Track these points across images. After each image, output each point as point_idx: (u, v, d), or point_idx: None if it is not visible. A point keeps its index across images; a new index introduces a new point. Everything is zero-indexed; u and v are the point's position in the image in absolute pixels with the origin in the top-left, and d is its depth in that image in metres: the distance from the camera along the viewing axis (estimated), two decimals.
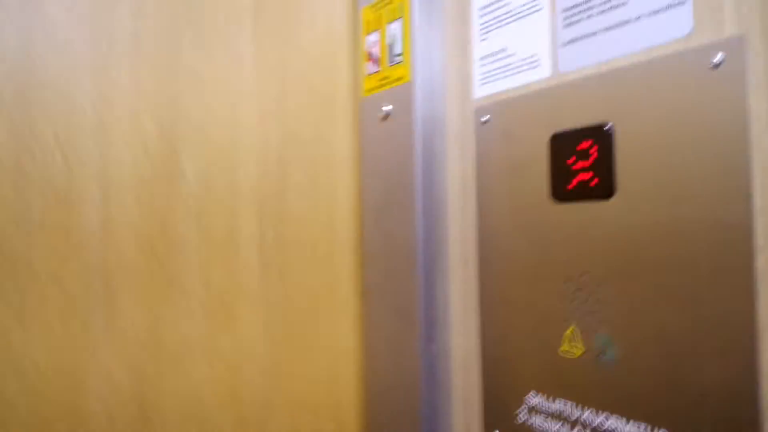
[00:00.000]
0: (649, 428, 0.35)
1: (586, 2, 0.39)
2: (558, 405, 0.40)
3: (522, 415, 0.43)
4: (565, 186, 0.40)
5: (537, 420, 0.41)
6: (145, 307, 0.45)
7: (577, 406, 0.39)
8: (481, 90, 0.47)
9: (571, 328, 0.39)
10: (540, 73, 0.42)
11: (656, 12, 0.35)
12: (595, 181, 0.38)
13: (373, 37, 0.55)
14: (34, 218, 0.41)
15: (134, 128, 0.46)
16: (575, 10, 0.39)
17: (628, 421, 0.36)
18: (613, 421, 0.37)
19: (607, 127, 0.37)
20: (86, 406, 0.43)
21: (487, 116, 0.46)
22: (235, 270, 0.51)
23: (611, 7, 0.37)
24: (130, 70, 0.46)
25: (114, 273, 0.44)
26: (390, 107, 0.53)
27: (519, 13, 0.43)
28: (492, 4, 0.46)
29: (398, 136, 0.53)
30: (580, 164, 0.39)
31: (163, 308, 0.46)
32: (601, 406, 0.37)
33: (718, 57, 0.32)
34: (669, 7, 0.34)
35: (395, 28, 0.53)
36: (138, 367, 0.45)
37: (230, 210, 0.50)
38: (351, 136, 0.58)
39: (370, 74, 0.56)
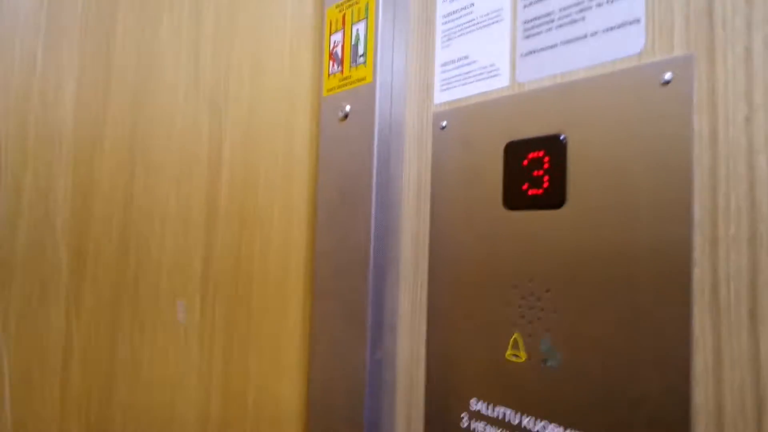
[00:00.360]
0: None
1: (546, 16, 0.40)
2: (499, 411, 0.40)
3: (464, 422, 0.42)
4: (517, 194, 0.40)
5: (478, 426, 0.41)
6: None
7: (517, 413, 0.39)
8: (441, 96, 0.47)
9: (515, 335, 0.39)
10: (498, 82, 0.43)
11: (611, 29, 0.36)
12: (547, 190, 0.38)
13: (337, 37, 0.55)
14: None
15: None
16: (535, 23, 0.40)
17: (565, 429, 0.36)
18: (551, 429, 0.37)
19: (560, 138, 0.38)
20: None
21: (445, 122, 0.46)
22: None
23: (570, 22, 0.38)
24: None
25: None
26: (349, 107, 0.53)
27: (481, 22, 0.44)
28: (456, 11, 0.46)
29: (356, 136, 0.52)
30: (533, 173, 0.39)
31: None
32: (540, 414, 0.37)
33: (668, 75, 0.33)
34: (623, 24, 0.35)
35: (359, 29, 0.52)
36: None
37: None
38: (310, 134, 0.57)
39: (332, 74, 0.56)
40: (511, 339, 0.39)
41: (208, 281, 0.50)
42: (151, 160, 0.47)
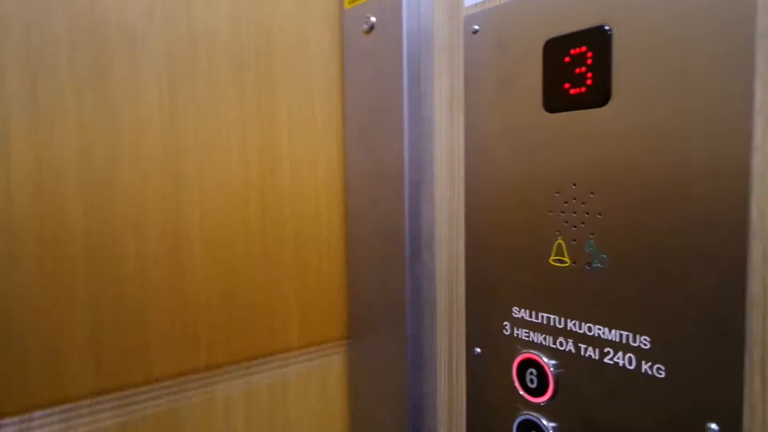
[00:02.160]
0: (631, 336, 0.35)
1: None
2: (543, 317, 0.40)
3: (506, 330, 0.43)
4: (558, 95, 0.38)
5: (521, 333, 0.42)
6: None
7: (561, 318, 0.39)
8: None
9: (559, 240, 0.38)
10: None
11: None
12: (591, 87, 0.36)
13: None
14: None
15: None
16: None
17: (611, 330, 0.36)
18: (596, 331, 0.37)
19: (605, 29, 0.35)
20: None
21: (477, 26, 0.44)
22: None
23: None
24: None
25: None
26: (375, 19, 0.51)
27: None
28: None
29: (383, 50, 0.50)
30: (575, 71, 0.37)
31: None
32: (585, 317, 0.37)
33: None
34: None
35: None
36: None
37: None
38: (334, 51, 0.55)
39: None
40: (555, 245, 0.39)
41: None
42: None
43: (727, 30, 0.30)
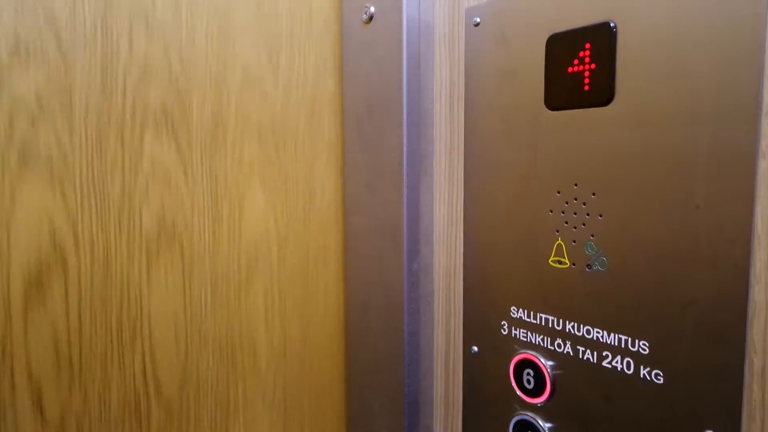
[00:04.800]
0: (630, 340, 0.34)
1: None
2: (541, 318, 0.39)
3: (504, 329, 0.42)
4: (560, 92, 0.37)
5: (519, 333, 0.41)
6: None
7: (560, 319, 0.38)
8: None
9: (558, 241, 0.38)
10: None
11: None
12: (594, 86, 0.35)
13: None
14: None
15: None
16: None
17: (609, 333, 0.35)
18: (594, 334, 0.36)
19: (610, 26, 0.34)
20: None
21: (479, 18, 0.43)
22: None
23: None
24: None
25: None
26: (374, 9, 0.49)
27: None
28: None
29: (382, 40, 0.49)
30: (578, 68, 0.36)
31: None
32: (584, 319, 0.37)
33: None
34: None
35: None
36: None
37: None
38: (332, 41, 0.54)
39: None
40: (554, 245, 0.38)
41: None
42: None
43: (734, 29, 0.29)
